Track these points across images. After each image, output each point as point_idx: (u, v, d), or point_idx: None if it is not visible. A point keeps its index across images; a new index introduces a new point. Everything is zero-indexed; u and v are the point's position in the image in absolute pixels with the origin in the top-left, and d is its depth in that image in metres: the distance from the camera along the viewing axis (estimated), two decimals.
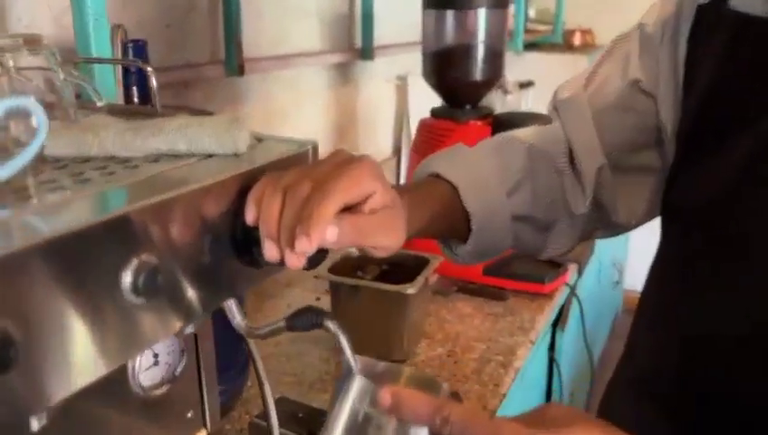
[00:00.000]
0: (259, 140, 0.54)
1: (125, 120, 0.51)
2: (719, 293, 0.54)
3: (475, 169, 0.66)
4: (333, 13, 1.62)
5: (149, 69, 0.60)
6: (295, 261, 0.42)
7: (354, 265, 1.13)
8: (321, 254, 0.45)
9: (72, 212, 0.38)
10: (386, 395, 0.41)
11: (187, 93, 1.18)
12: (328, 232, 0.42)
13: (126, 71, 0.73)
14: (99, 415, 0.55)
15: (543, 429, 0.38)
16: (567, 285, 1.38)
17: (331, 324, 0.45)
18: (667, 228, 0.62)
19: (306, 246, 0.41)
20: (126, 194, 0.40)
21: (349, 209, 0.45)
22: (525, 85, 2.13)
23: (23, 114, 0.40)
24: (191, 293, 0.43)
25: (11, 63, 0.52)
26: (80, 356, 0.36)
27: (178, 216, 0.40)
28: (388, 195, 0.48)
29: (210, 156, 0.49)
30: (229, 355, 0.82)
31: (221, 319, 0.65)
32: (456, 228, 0.65)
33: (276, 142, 0.54)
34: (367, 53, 1.70)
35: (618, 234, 0.75)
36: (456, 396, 0.45)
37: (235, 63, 1.22)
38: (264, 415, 0.69)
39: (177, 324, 0.42)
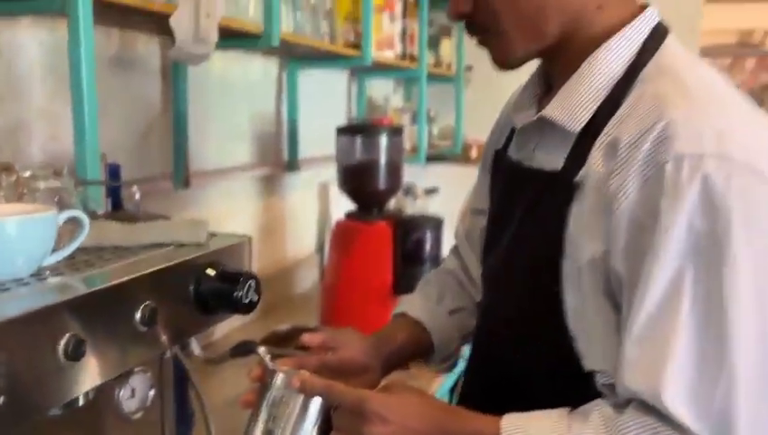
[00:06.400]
0: (213, 235, 0.81)
1: (121, 223, 0.78)
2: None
3: (418, 302, 0.96)
4: (263, 132, 1.93)
5: (135, 187, 0.87)
6: None
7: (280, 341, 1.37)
8: None
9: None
10: (295, 381, 0.67)
11: (146, 202, 1.44)
12: None
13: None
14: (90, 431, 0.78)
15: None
16: None
17: (260, 351, 0.71)
18: None
19: None
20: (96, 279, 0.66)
21: None
22: (431, 191, 2.49)
23: (71, 221, 0.66)
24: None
25: (41, 186, 0.78)
26: None
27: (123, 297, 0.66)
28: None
29: (182, 245, 0.76)
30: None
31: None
32: (423, 345, 0.92)
33: (223, 237, 0.81)
34: (292, 165, 2.01)
35: None
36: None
37: (182, 177, 1.49)
38: None
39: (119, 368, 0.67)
